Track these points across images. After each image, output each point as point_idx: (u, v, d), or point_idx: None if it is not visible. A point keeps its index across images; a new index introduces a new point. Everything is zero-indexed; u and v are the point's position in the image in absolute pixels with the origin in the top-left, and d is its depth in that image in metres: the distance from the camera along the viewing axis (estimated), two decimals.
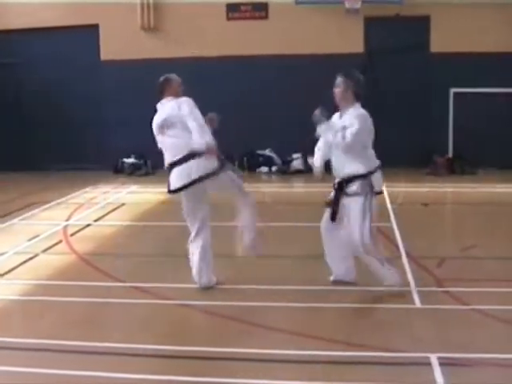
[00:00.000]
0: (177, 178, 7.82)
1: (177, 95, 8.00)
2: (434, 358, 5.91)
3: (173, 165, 7.85)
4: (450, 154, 18.58)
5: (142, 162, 18.74)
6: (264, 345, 6.35)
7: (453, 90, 18.43)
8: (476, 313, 7.17)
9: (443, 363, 5.83)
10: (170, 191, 7.94)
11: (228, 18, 18.92)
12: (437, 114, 18.58)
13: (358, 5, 17.79)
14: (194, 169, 7.72)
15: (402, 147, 17.75)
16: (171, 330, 6.88)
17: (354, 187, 7.68)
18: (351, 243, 7.75)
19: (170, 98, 7.97)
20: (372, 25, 18.48)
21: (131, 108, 18.35)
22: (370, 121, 7.77)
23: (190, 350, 6.25)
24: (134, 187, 16.29)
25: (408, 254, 9.34)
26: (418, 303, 7.48)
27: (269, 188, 16.63)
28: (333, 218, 7.85)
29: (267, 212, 12.52)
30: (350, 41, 18.36)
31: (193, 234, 7.96)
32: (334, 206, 7.82)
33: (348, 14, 17.96)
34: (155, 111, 8.00)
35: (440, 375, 5.60)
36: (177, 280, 8.30)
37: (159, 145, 8.03)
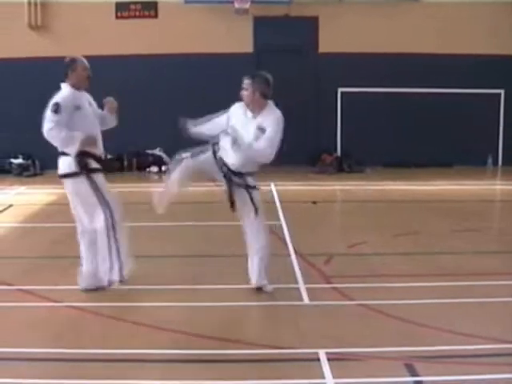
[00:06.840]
0: None
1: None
2: (322, 354, 6.01)
3: None
4: (339, 153, 18.94)
5: (30, 162, 18.38)
6: (149, 345, 6.32)
7: (340, 90, 18.80)
8: (362, 308, 7.34)
9: (331, 358, 5.93)
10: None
11: (117, 17, 18.74)
12: (325, 114, 18.90)
13: (247, 5, 17.92)
14: None
15: (291, 147, 17.87)
16: (60, 332, 6.76)
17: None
18: None
19: None
20: (261, 25, 18.63)
21: (18, 107, 17.99)
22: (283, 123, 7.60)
23: (79, 352, 6.16)
24: (22, 188, 15.94)
25: (297, 252, 9.48)
26: (306, 300, 7.61)
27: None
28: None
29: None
30: (239, 40, 18.46)
31: None
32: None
33: (237, 14, 18.05)
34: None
35: (328, 370, 5.70)
36: (64, 282, 8.15)
37: None
